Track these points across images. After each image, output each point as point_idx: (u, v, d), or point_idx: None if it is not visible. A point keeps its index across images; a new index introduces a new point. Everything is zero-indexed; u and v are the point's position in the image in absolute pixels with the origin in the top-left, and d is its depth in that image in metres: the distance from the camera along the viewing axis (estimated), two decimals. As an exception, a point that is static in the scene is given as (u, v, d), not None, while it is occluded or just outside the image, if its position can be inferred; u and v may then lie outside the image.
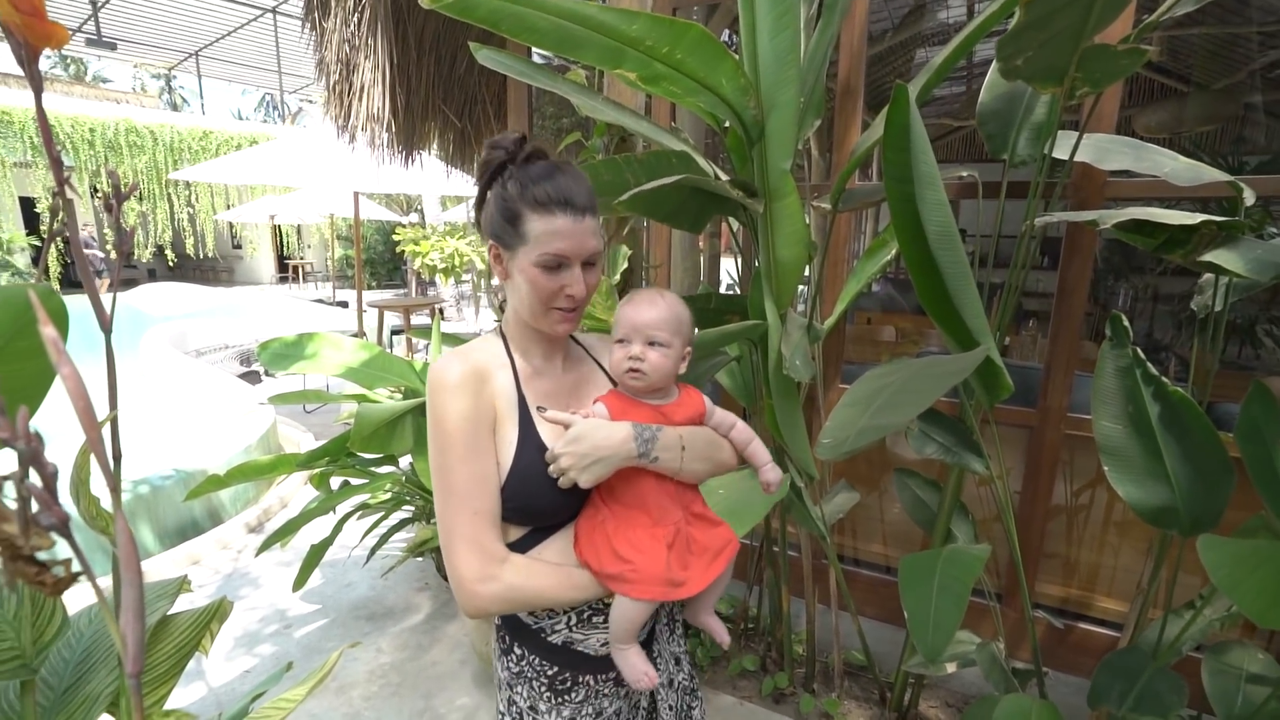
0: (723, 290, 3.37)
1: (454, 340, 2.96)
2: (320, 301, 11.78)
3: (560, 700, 0.94)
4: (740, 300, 1.73)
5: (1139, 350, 1.30)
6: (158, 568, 2.82)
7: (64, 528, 0.45)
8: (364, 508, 2.42)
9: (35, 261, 11.81)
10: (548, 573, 0.87)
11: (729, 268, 5.29)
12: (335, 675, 2.25)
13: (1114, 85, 1.68)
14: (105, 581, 2.19)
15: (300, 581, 2.24)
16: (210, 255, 15.41)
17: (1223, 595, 1.42)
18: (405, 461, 2.51)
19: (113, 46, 13.10)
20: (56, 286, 11.78)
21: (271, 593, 2.76)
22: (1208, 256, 1.30)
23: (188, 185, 13.55)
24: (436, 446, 0.86)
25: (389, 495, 2.55)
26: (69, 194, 0.72)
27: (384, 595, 2.76)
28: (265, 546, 2.15)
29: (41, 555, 0.45)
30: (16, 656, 0.77)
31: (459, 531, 0.84)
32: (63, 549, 0.42)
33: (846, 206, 1.68)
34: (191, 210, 14.10)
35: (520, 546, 0.89)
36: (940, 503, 1.81)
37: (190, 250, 14.43)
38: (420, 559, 2.99)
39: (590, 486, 0.86)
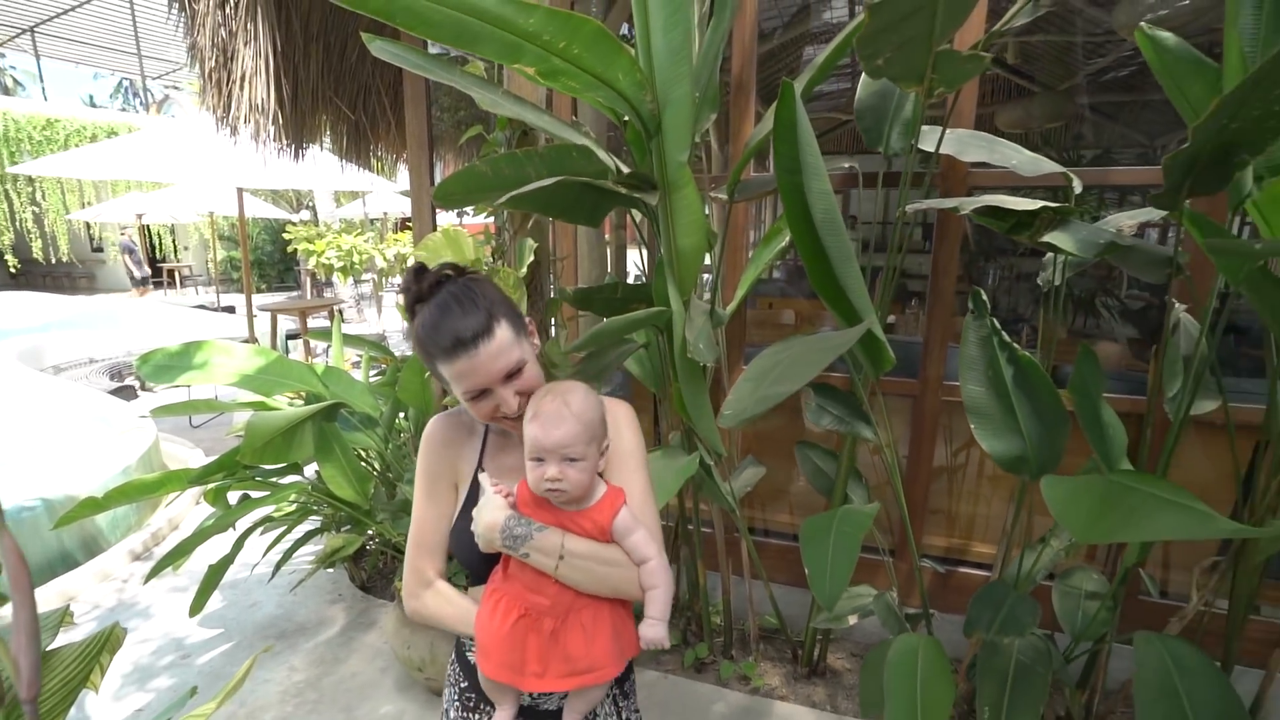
0: (630, 280, 3.45)
1: (357, 342, 2.85)
2: (203, 308, 10.83)
3: (466, 714, 1.01)
4: (645, 289, 1.80)
5: (996, 321, 1.47)
6: (24, 607, 2.53)
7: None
8: (268, 521, 2.30)
9: None
10: (455, 606, 0.95)
11: (635, 258, 5.38)
12: (243, 700, 2.13)
13: (970, 86, 1.88)
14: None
15: (198, 605, 2.11)
16: (64, 260, 13.77)
17: (1064, 527, 1.64)
18: (311, 470, 2.40)
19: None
20: None
21: (165, 622, 2.56)
22: (1047, 237, 1.50)
23: (30, 181, 12.01)
24: (417, 485, 1.00)
25: (294, 506, 2.43)
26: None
27: (294, 611, 2.63)
28: (155, 571, 2.00)
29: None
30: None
31: (409, 553, 0.99)
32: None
33: (742, 196, 1.78)
34: (38, 209, 12.53)
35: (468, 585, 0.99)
36: (837, 470, 1.97)
37: (39, 255, 12.82)
38: (331, 570, 2.87)
39: (484, 550, 0.90)
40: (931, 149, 1.70)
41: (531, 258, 1.69)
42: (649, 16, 1.37)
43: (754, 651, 2.33)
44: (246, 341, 5.46)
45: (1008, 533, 1.77)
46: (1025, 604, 1.55)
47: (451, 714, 1.03)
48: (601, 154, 1.47)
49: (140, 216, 12.60)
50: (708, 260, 1.88)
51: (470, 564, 0.96)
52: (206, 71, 2.38)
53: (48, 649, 0.96)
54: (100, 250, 15.52)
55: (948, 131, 1.69)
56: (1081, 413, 1.33)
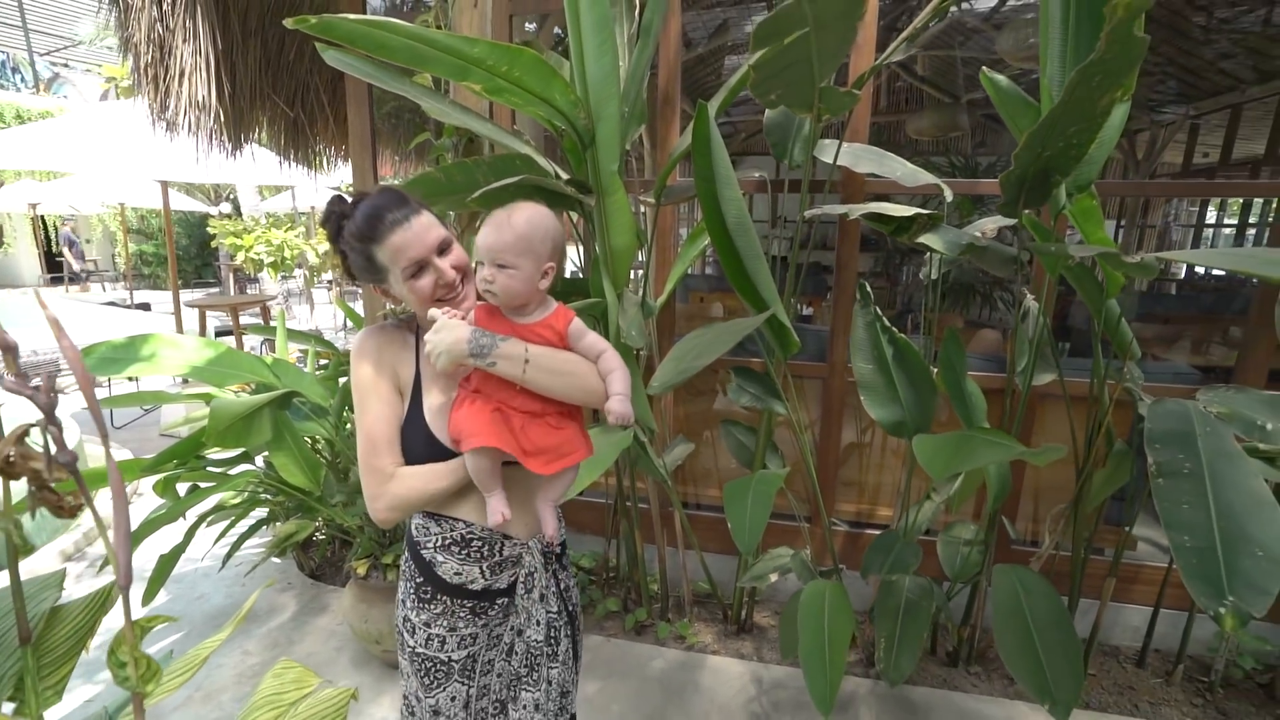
0: (568, 275, 3.62)
1: (300, 337, 2.91)
2: (113, 304, 10.20)
3: (421, 605, 1.10)
4: (583, 283, 1.98)
5: (879, 309, 1.75)
6: None
7: (73, 465, 0.59)
8: (219, 510, 2.35)
9: None
10: (420, 474, 1.03)
11: (571, 254, 5.53)
12: (199, 684, 2.19)
13: (863, 106, 2.15)
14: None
15: (150, 595, 2.15)
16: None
17: (942, 485, 1.95)
18: (259, 461, 2.46)
19: None
20: None
21: (110, 617, 2.55)
22: (922, 239, 1.78)
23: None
24: (355, 401, 1.05)
25: (243, 496, 2.49)
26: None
27: (243, 600, 2.68)
28: (105, 565, 2.03)
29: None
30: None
31: (363, 462, 1.03)
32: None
33: (667, 200, 1.99)
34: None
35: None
36: (756, 443, 2.22)
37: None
38: (279, 560, 2.92)
39: (444, 373, 1.00)
40: (830, 161, 1.96)
41: (479, 255, 1.85)
42: (583, 43, 1.55)
43: (689, 614, 2.57)
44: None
45: (902, 493, 2.07)
46: (910, 549, 1.85)
47: (409, 604, 1.11)
48: (541, 161, 1.65)
49: (34, 206, 11.69)
50: (640, 257, 2.08)
51: (425, 461, 1.04)
52: (142, 66, 2.39)
53: (56, 604, 1.08)
54: (-8, 243, 14.25)
55: (844, 145, 1.96)
56: (948, 384, 1.62)
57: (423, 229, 0.99)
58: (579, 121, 1.57)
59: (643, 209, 2.64)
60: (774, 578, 2.27)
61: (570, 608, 1.24)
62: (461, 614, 1.11)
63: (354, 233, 1.00)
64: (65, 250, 12.98)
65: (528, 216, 0.99)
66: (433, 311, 0.99)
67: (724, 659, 2.39)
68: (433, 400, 1.06)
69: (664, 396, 2.40)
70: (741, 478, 1.81)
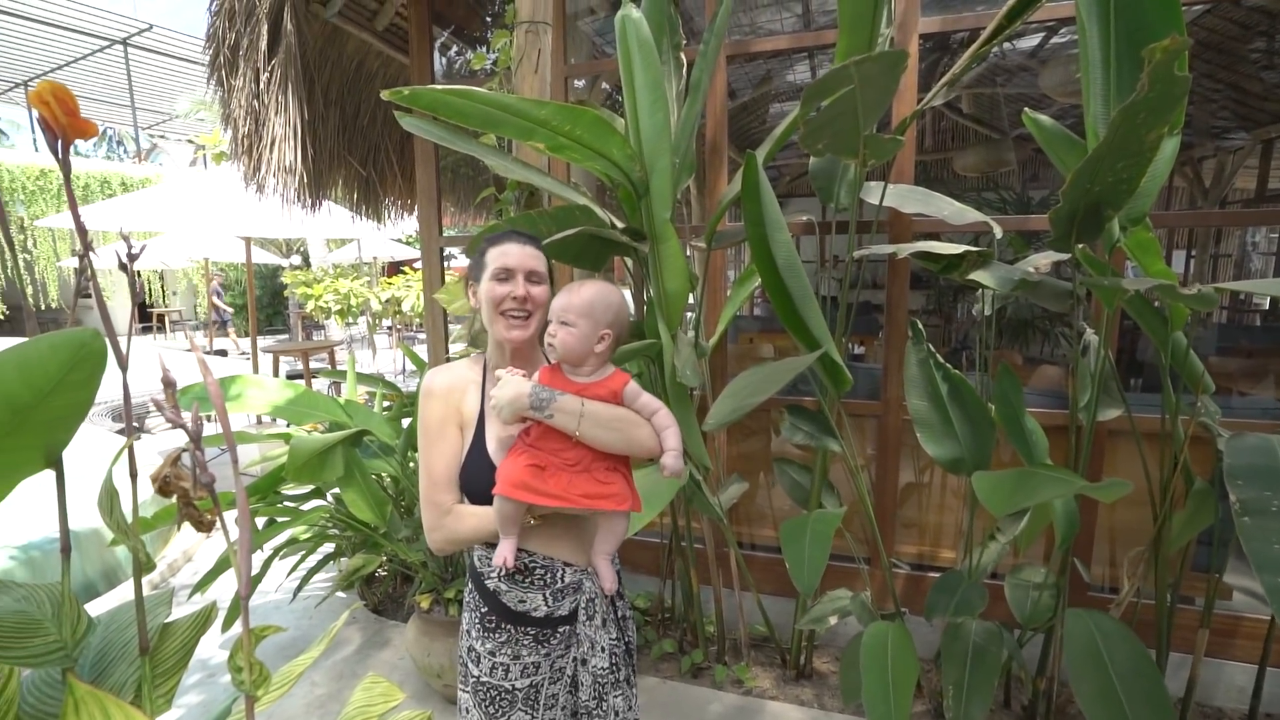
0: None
1: (367, 380, 3.08)
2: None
3: (486, 634, 1.16)
4: (637, 325, 2.06)
5: (932, 346, 1.75)
6: (106, 608, 2.67)
7: (212, 486, 0.68)
8: (292, 543, 2.48)
9: None
10: (477, 514, 1.12)
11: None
12: (270, 714, 2.28)
13: (907, 150, 2.20)
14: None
15: (229, 623, 2.27)
16: (54, 305, 13.85)
17: (1007, 525, 1.89)
18: (329, 497, 2.59)
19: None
20: None
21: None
22: (973, 276, 1.79)
23: (21, 229, 12.18)
24: (420, 438, 1.15)
25: (313, 531, 2.61)
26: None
27: (310, 633, 2.78)
28: (199, 588, 2.16)
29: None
30: (60, 648, 0.91)
31: (424, 496, 1.13)
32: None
33: (718, 245, 2.07)
34: (29, 257, 12.66)
35: None
36: (812, 482, 2.21)
37: (30, 301, 12.86)
38: (344, 594, 3.03)
39: (507, 424, 1.08)
40: (876, 202, 2.00)
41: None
42: (637, 101, 1.66)
43: (746, 657, 2.52)
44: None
45: (964, 534, 2.02)
46: (976, 590, 1.79)
47: (473, 634, 1.17)
48: (600, 212, 1.75)
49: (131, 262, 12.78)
50: (691, 299, 2.15)
51: (483, 496, 1.10)
52: (239, 137, 2.66)
53: (166, 620, 1.18)
54: (88, 295, 15.58)
55: (890, 187, 2.00)
56: (1004, 420, 1.60)
57: (527, 254, 1.15)
58: (634, 173, 1.67)
59: (692, 253, 2.72)
60: (833, 620, 2.22)
61: (627, 638, 1.27)
62: (525, 642, 1.15)
63: (489, 238, 1.19)
64: (216, 300, 14.15)
65: (596, 288, 1.12)
66: (499, 371, 1.11)
67: (783, 705, 2.33)
68: (495, 434, 1.15)
69: (718, 435, 2.43)
70: (798, 517, 1.81)
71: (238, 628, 2.30)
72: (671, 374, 1.81)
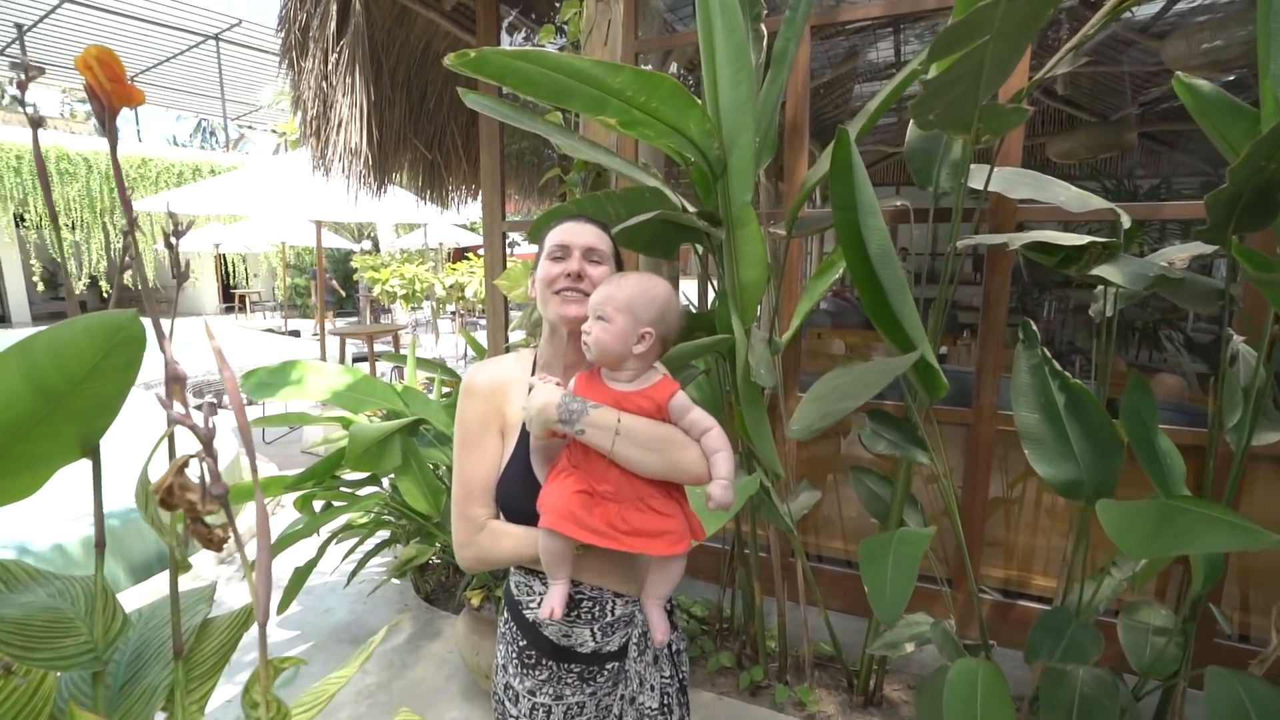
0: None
1: (427, 365, 3.05)
2: (271, 331, 11.47)
3: (525, 671, 1.04)
4: (707, 317, 1.91)
5: (1046, 350, 1.53)
6: (128, 603, 2.77)
7: (224, 499, 0.58)
8: (348, 528, 2.47)
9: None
10: (515, 535, 1.00)
11: (685, 289, 5.52)
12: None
13: (1014, 130, 1.95)
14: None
15: (284, 604, 2.27)
16: (151, 286, 14.84)
17: (1125, 559, 1.65)
18: (385, 484, 2.57)
19: (41, 70, 12.62)
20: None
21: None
22: (1096, 270, 1.55)
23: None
24: (457, 439, 1.04)
25: (369, 517, 2.60)
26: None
27: (364, 618, 2.79)
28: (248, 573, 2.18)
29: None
30: (90, 649, 0.85)
31: (455, 507, 1.02)
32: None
33: (799, 232, 1.89)
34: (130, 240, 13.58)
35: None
36: (892, 495, 2.01)
37: (129, 281, 13.83)
38: (399, 581, 3.03)
39: (538, 437, 0.97)
40: (980, 187, 1.78)
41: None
42: (717, 72, 1.51)
43: (809, 677, 2.35)
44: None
45: (1068, 563, 1.78)
46: (1088, 633, 1.57)
47: (510, 670, 1.05)
48: (671, 195, 1.61)
49: (217, 245, 13.51)
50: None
51: (513, 512, 1.00)
52: (308, 119, 2.65)
53: (208, 617, 1.12)
54: (178, 279, 16.59)
55: (995, 170, 1.77)
56: (1136, 440, 1.37)
57: (586, 230, 1.05)
58: (712, 151, 1.52)
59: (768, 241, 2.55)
60: (910, 647, 2.03)
61: (681, 674, 1.14)
62: (569, 680, 1.03)
63: (555, 219, 1.10)
64: (331, 282, 14.98)
65: (640, 280, 0.98)
66: (532, 379, 0.99)
67: (848, 733, 2.15)
68: (538, 440, 1.02)
69: (788, 439, 2.26)
70: (880, 535, 1.62)
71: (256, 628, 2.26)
72: (744, 372, 1.66)
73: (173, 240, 0.92)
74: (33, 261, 13.14)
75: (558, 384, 0.97)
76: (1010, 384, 1.63)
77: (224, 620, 1.09)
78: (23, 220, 11.94)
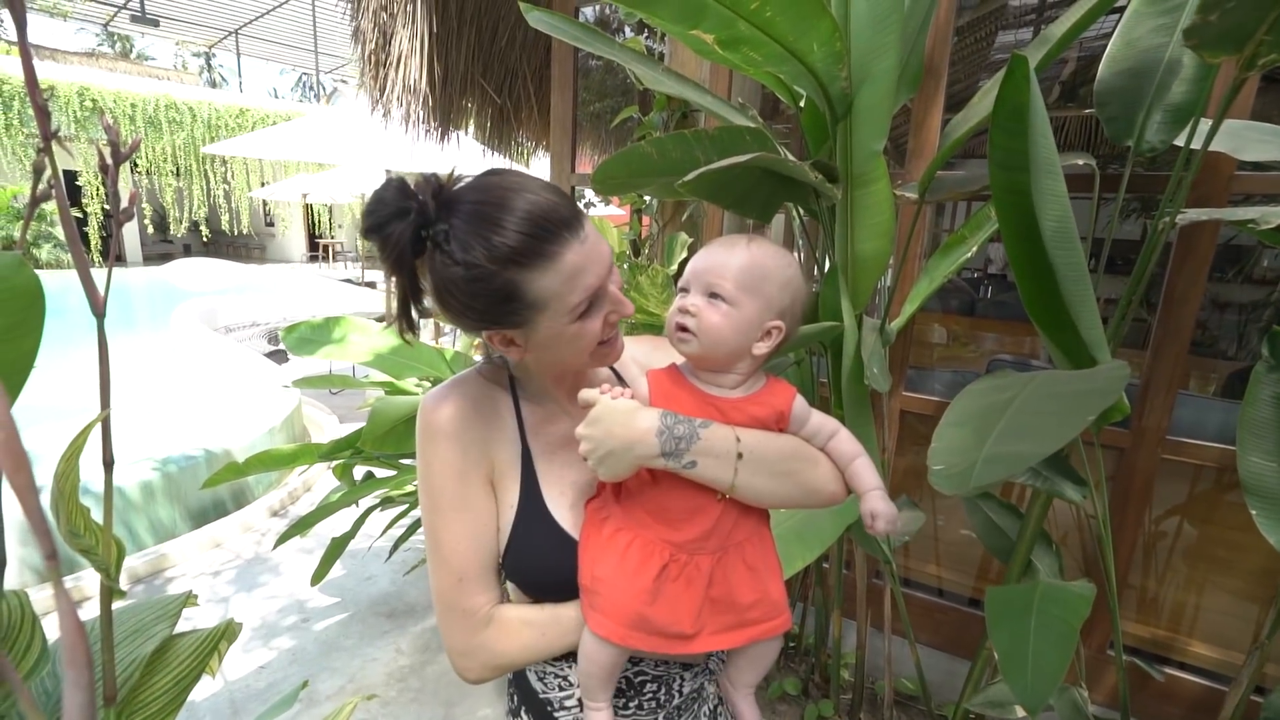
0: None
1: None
2: (349, 281, 11.81)
3: None
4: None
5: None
6: (181, 550, 2.76)
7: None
8: (388, 500, 2.31)
9: (84, 236, 11.84)
10: (533, 622, 0.71)
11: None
12: (353, 677, 2.16)
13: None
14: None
15: (320, 575, 2.15)
16: (244, 232, 15.60)
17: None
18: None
19: (155, 23, 13.25)
20: (97, 259, 11.99)
21: (291, 581, 2.68)
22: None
23: (224, 162, 13.68)
24: (424, 498, 0.71)
25: (412, 488, 2.44)
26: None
27: (405, 591, 2.66)
28: (284, 538, 2.05)
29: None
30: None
31: (444, 598, 0.71)
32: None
33: (935, 196, 1.50)
34: (227, 187, 14.24)
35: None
36: (1020, 530, 1.63)
37: (225, 227, 14.60)
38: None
39: (618, 479, 0.66)
40: (1198, 146, 1.33)
41: (684, 254, 1.51)
42: (854, -28, 1.14)
43: (886, 718, 2.03)
44: (381, 318, 5.80)
45: (1261, 644, 1.37)
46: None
47: None
48: (775, 143, 1.26)
49: (305, 195, 13.97)
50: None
51: (544, 587, 0.72)
52: (366, 54, 2.43)
53: (169, 636, 0.91)
54: (272, 225, 17.41)
55: (1225, 122, 1.31)
56: None
57: (596, 239, 0.65)
58: (836, 83, 1.16)
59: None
60: (1020, 712, 1.67)
61: None
62: None
63: (481, 248, 0.59)
64: None
65: (773, 250, 0.69)
66: (586, 394, 0.66)
67: (932, 794, 1.83)
68: (561, 482, 0.72)
69: (888, 446, 1.89)
70: (1015, 587, 1.27)
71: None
72: (853, 370, 1.32)
73: (109, 161, 0.67)
74: (144, 205, 14.02)
75: (625, 393, 0.66)
76: (1185, 402, 1.22)
77: (188, 644, 0.87)
78: (135, 166, 12.67)
